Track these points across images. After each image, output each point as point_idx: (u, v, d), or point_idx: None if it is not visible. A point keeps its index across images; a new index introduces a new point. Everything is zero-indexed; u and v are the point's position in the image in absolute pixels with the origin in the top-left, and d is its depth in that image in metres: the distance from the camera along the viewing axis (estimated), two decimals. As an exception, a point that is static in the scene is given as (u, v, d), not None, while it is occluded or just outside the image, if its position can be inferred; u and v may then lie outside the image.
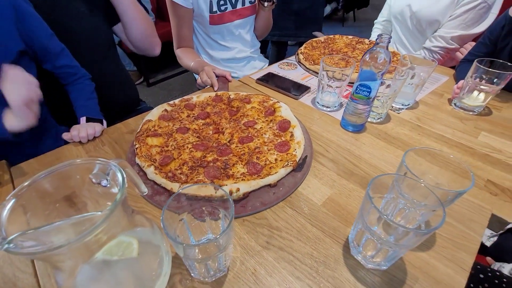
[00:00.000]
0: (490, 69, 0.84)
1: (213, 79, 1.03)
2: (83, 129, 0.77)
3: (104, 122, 0.85)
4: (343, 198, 0.61)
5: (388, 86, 0.78)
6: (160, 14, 2.85)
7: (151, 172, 0.62)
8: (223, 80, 1.05)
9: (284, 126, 0.77)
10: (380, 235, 0.43)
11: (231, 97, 0.92)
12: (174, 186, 0.59)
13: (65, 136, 0.76)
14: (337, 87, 0.87)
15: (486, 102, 0.89)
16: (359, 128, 0.82)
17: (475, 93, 0.89)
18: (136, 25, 1.01)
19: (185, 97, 0.90)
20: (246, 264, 0.49)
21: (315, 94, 1.00)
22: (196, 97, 0.91)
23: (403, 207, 0.50)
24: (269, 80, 1.08)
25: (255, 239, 0.54)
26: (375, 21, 1.67)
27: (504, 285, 0.72)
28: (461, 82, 0.92)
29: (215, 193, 0.58)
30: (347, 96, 0.88)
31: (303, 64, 1.20)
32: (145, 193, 0.49)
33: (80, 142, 0.77)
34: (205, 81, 1.05)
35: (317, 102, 0.95)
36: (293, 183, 0.63)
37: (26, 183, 0.34)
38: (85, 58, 0.92)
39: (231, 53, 1.34)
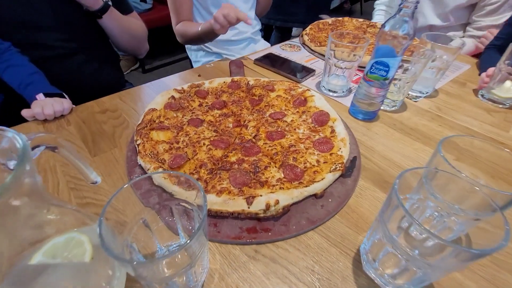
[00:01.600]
0: None
1: (239, 14, 0.84)
2: (48, 105, 0.62)
3: (67, 97, 0.70)
4: (353, 198, 0.49)
5: (406, 69, 0.69)
6: (157, -3, 2.64)
7: (159, 176, 0.47)
8: (238, 63, 0.89)
9: (322, 119, 0.63)
10: (407, 250, 0.31)
11: (251, 83, 0.76)
12: (190, 196, 0.44)
13: (26, 113, 0.62)
14: (346, 68, 0.75)
15: None
16: (370, 117, 0.70)
17: (508, 83, 0.77)
18: (121, 42, 0.93)
19: (195, 82, 0.74)
20: (227, 279, 0.38)
21: (320, 77, 0.86)
22: (209, 83, 0.75)
23: (431, 214, 0.39)
24: (268, 61, 0.94)
25: (240, 247, 0.40)
26: (376, 2, 1.51)
27: None
28: (491, 69, 0.80)
29: (248, 207, 0.43)
30: (357, 82, 0.75)
31: (307, 46, 1.07)
32: (97, 183, 0.35)
33: (44, 120, 0.63)
34: (222, 23, 0.85)
35: (323, 87, 0.82)
36: (344, 193, 0.49)
37: None
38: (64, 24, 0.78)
39: (231, 33, 1.20)
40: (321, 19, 1.32)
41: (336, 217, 0.46)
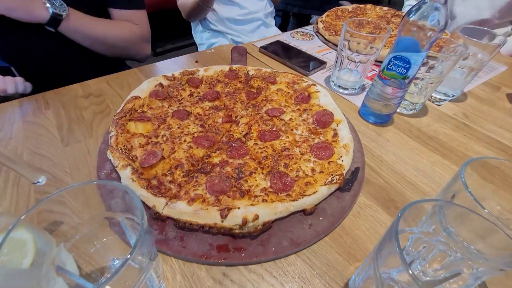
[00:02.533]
0: None
1: None
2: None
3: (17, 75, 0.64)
4: (350, 218, 0.42)
5: (431, 67, 0.60)
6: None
7: (126, 176, 0.41)
8: (241, 50, 0.81)
9: (324, 120, 0.55)
10: None
11: (250, 73, 0.69)
12: (158, 203, 0.39)
13: None
14: (361, 62, 0.65)
15: None
16: (384, 120, 0.61)
17: None
18: (95, 50, 0.78)
19: (190, 69, 0.67)
20: None
21: (331, 71, 0.77)
22: (204, 71, 0.68)
23: (443, 251, 0.31)
24: (275, 49, 0.85)
25: (207, 267, 0.35)
26: None
27: None
28: None
29: (222, 221, 0.37)
30: (372, 78, 0.65)
31: (321, 35, 0.96)
32: (39, 183, 0.30)
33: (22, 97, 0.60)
34: None
35: (332, 82, 0.73)
36: (339, 210, 0.42)
37: None
38: None
39: (240, 12, 1.12)
40: (341, 5, 1.21)
41: (326, 239, 0.39)
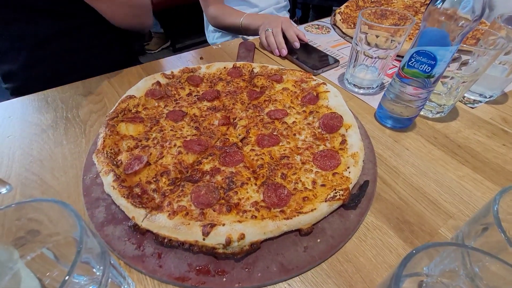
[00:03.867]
0: None
1: (279, 40, 0.75)
2: None
3: None
4: (354, 240, 0.36)
5: (464, 63, 0.51)
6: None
7: (108, 183, 0.38)
8: (249, 46, 0.76)
9: (332, 124, 0.48)
10: None
11: (255, 71, 0.63)
12: (138, 215, 0.35)
13: None
14: (379, 58, 0.58)
15: None
16: (404, 125, 0.54)
17: None
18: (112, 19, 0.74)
19: (191, 66, 0.63)
20: None
21: (346, 69, 0.69)
22: (206, 68, 0.64)
23: None
24: (285, 44, 0.77)
25: None
26: None
27: None
28: None
29: (203, 239, 0.33)
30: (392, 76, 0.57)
31: (338, 28, 0.88)
32: (5, 192, 0.27)
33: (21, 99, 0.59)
34: (272, 44, 0.76)
35: (346, 80, 0.65)
36: (342, 232, 0.36)
37: None
38: None
39: (251, 10, 1.07)
40: None
41: (323, 266, 0.34)
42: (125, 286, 0.29)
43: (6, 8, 0.66)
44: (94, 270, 0.26)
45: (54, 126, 0.53)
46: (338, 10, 0.94)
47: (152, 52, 2.51)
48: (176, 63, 0.73)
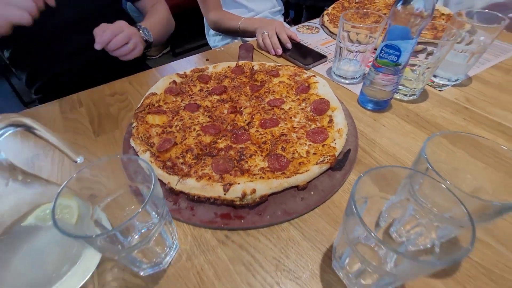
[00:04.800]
0: None
1: (274, 41, 0.87)
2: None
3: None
4: (339, 193, 0.47)
5: (430, 54, 0.61)
6: (187, -21, 2.65)
7: (146, 159, 0.49)
8: (248, 47, 0.87)
9: (321, 107, 0.59)
10: (364, 255, 0.29)
11: (255, 68, 0.74)
12: (172, 180, 0.46)
13: None
14: (359, 51, 0.68)
15: None
16: (381, 106, 0.64)
17: None
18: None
19: (200, 67, 0.74)
20: (193, 260, 0.39)
21: (332, 63, 0.80)
22: (213, 67, 0.75)
23: (413, 215, 0.35)
24: (280, 44, 0.88)
25: (212, 231, 0.42)
26: None
27: None
28: None
29: (224, 194, 0.43)
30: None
31: (326, 28, 0.99)
32: (78, 162, 0.38)
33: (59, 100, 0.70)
34: (268, 45, 0.87)
35: (333, 72, 0.76)
36: (330, 187, 0.47)
37: None
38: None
39: (248, 14, 1.18)
40: None
41: (316, 211, 0.44)
42: (171, 229, 0.39)
43: (41, 30, 0.77)
44: (151, 216, 0.36)
45: (91, 121, 0.63)
46: (325, 12, 1.05)
47: (153, 57, 2.61)
48: (185, 65, 0.83)
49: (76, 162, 0.39)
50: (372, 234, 0.25)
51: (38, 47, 0.80)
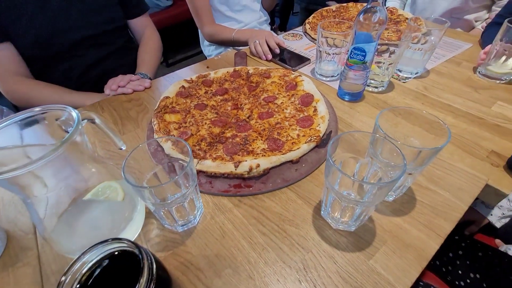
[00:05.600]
0: None
1: (265, 48, 1.00)
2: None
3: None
4: (324, 164, 0.59)
5: (393, 53, 0.74)
6: (176, -7, 2.79)
7: (168, 147, 0.61)
8: (242, 55, 1.00)
9: (307, 100, 0.72)
10: (341, 193, 0.42)
11: (250, 72, 0.87)
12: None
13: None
14: (335, 54, 0.82)
15: None
16: (356, 97, 0.78)
17: (503, 58, 0.79)
18: None
19: (203, 73, 0.87)
20: (216, 219, 0.51)
21: (315, 64, 0.94)
22: (214, 73, 0.87)
23: (377, 170, 0.47)
24: (269, 51, 1.02)
25: (228, 198, 0.54)
26: None
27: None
28: (488, 47, 0.82)
29: (235, 169, 0.55)
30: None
31: (309, 35, 1.14)
32: (123, 149, 0.51)
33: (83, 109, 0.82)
34: (259, 52, 1.01)
35: (316, 72, 0.90)
36: (317, 160, 0.59)
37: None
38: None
39: (238, 25, 1.31)
40: (328, 5, 1.37)
41: (308, 178, 0.57)
42: (198, 195, 0.51)
43: (59, 47, 0.88)
44: (182, 188, 0.48)
45: (115, 122, 0.75)
46: (307, 21, 1.19)
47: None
48: (189, 73, 0.96)
49: (121, 149, 0.51)
50: (341, 171, 0.37)
51: (56, 62, 0.91)
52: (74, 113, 0.38)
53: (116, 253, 0.30)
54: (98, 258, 0.29)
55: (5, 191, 0.57)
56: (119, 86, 0.83)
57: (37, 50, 0.86)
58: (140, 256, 0.27)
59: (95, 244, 0.28)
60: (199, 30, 1.33)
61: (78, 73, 0.93)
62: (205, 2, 1.20)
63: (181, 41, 2.89)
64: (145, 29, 1.11)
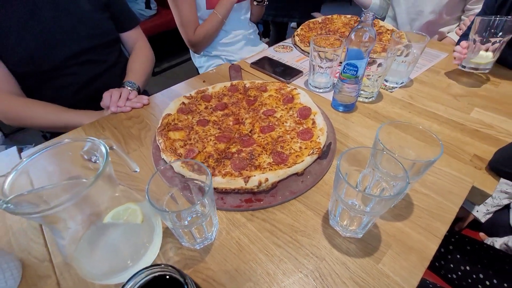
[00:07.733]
0: (496, 17, 0.82)
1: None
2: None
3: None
4: (328, 175, 0.63)
5: (380, 65, 0.80)
6: (162, 2, 2.78)
7: (178, 166, 0.62)
8: (236, 68, 1.03)
9: (305, 113, 0.76)
10: (350, 204, 0.46)
11: (247, 85, 0.90)
12: (202, 178, 0.60)
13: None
14: (328, 67, 0.88)
15: (496, 57, 0.89)
16: (349, 108, 0.83)
17: (482, 53, 0.88)
18: None
19: (201, 88, 0.89)
20: (231, 234, 0.53)
21: (308, 76, 0.99)
22: (212, 88, 0.89)
23: (378, 180, 0.52)
24: (263, 64, 1.07)
25: (241, 213, 0.57)
26: None
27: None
28: (464, 42, 0.91)
29: (245, 185, 0.58)
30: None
31: (298, 46, 1.19)
32: (137, 171, 0.52)
33: (82, 128, 0.82)
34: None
35: (310, 84, 0.95)
36: (320, 171, 0.63)
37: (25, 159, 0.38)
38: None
39: (227, 36, 1.35)
40: (313, 17, 1.44)
41: (313, 189, 0.61)
42: (215, 214, 0.53)
43: (50, 62, 0.87)
44: (206, 208, 0.49)
45: (117, 141, 0.75)
46: (296, 33, 1.24)
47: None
48: (186, 88, 0.97)
49: (135, 171, 0.53)
50: (354, 187, 0.41)
51: (49, 79, 0.89)
52: (103, 147, 0.39)
53: (156, 278, 0.31)
54: (143, 281, 0.30)
55: (13, 220, 0.56)
56: (118, 107, 0.84)
57: (28, 66, 0.84)
58: (184, 282, 0.29)
59: (140, 270, 0.30)
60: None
61: (73, 90, 0.92)
62: (192, 13, 1.23)
63: (167, 50, 2.87)
64: (136, 42, 1.11)
